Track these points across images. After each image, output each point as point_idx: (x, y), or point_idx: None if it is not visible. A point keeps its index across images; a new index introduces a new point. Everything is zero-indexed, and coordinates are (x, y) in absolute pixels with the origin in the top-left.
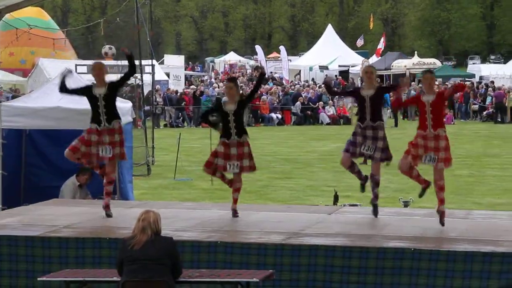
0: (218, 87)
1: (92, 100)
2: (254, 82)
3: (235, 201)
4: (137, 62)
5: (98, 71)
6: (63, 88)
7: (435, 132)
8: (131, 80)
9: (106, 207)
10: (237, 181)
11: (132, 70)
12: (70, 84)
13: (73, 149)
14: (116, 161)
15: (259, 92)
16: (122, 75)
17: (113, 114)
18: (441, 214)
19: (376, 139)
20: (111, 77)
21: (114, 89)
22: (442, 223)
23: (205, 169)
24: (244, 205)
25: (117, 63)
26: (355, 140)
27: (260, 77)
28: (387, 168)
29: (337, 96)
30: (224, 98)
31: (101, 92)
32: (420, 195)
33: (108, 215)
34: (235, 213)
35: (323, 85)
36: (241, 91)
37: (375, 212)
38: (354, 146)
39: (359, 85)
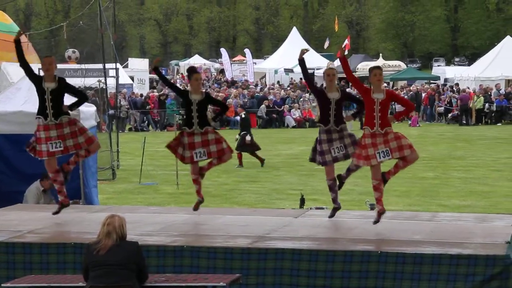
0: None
1: (40, 92)
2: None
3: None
4: (100, 66)
5: (48, 65)
6: (24, 61)
7: (382, 131)
8: (95, 84)
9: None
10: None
11: (82, 101)
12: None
13: (39, 155)
14: (54, 159)
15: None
16: (76, 99)
17: (60, 109)
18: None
19: (343, 138)
20: (76, 81)
21: (64, 88)
22: (374, 220)
23: (169, 148)
24: (210, 208)
25: (80, 66)
26: (322, 149)
27: (222, 111)
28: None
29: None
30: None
31: (50, 86)
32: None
33: (54, 211)
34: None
35: (298, 61)
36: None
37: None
38: (323, 155)
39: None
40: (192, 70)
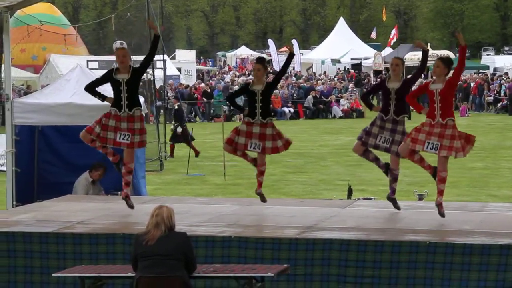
0: (232, 82)
1: (115, 85)
2: (284, 61)
3: (260, 184)
4: None
5: (122, 57)
6: (91, 89)
7: (443, 121)
8: (143, 76)
9: (127, 197)
10: (261, 164)
11: (151, 52)
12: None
13: (89, 130)
14: (134, 150)
15: (286, 72)
16: (142, 61)
17: (134, 100)
18: (439, 206)
19: (395, 132)
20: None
21: (137, 74)
22: (441, 214)
23: (225, 146)
24: (257, 199)
25: None
26: (370, 130)
27: (289, 57)
28: (402, 160)
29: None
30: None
31: (124, 77)
32: (435, 178)
33: (130, 205)
34: (262, 197)
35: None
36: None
37: (396, 206)
38: (368, 136)
39: (385, 77)
40: (255, 60)
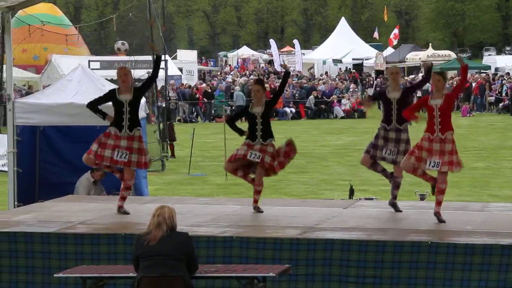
0: (233, 82)
1: (117, 105)
2: (280, 81)
3: (255, 201)
4: (149, 58)
5: (124, 76)
6: (93, 107)
7: (443, 136)
8: (144, 76)
9: (120, 208)
10: (258, 184)
11: (155, 73)
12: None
13: (89, 152)
14: (133, 169)
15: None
16: (145, 80)
17: (135, 121)
18: (437, 214)
19: (399, 142)
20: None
21: (139, 94)
22: (440, 221)
23: (227, 166)
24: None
25: (130, 58)
26: (376, 142)
27: (285, 76)
28: None
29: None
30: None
31: (127, 98)
32: (433, 192)
33: (124, 212)
34: (258, 210)
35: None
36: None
37: (397, 210)
38: (375, 149)
39: (385, 86)
40: (254, 81)
